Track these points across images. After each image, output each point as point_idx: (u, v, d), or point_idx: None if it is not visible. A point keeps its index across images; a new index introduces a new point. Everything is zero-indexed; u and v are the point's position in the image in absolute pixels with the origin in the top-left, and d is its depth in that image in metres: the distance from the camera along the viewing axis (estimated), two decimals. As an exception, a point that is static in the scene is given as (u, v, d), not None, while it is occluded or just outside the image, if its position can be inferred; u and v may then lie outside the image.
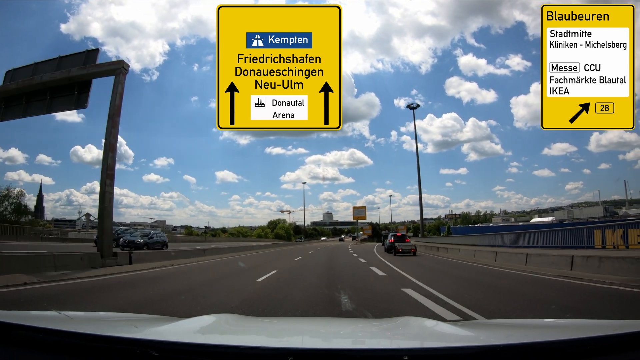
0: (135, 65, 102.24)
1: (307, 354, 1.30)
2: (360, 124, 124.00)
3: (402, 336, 1.86)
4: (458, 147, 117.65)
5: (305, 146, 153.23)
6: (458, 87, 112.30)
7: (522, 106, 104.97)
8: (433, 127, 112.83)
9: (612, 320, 2.66)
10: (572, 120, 8.00)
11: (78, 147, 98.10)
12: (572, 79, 8.17)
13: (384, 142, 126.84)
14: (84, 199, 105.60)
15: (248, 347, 1.43)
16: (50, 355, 1.37)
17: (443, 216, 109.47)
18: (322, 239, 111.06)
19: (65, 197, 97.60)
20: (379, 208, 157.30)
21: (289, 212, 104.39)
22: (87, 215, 66.88)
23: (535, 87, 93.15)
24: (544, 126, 8.35)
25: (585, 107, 8.02)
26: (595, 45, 7.98)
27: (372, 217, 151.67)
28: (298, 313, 5.27)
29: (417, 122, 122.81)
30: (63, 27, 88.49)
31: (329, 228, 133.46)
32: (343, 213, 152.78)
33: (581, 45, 7.97)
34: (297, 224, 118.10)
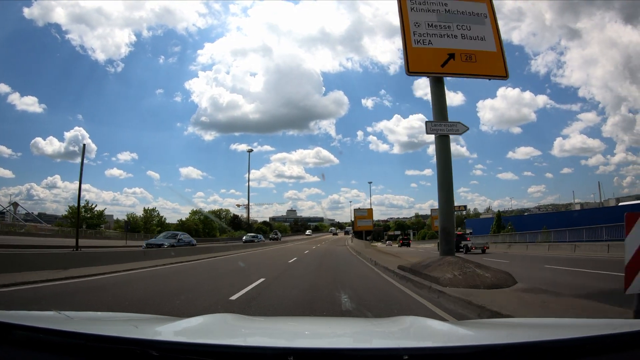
0: (99, 56, 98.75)
1: (307, 354, 1.30)
2: (327, 123, 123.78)
3: (403, 336, 1.86)
4: (424, 149, 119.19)
5: (272, 143, 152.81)
6: (426, 89, 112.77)
7: (489, 110, 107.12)
8: (400, 127, 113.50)
9: (611, 320, 2.66)
10: (443, 65, 8.41)
11: (39, 139, 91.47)
12: (434, 34, 8.62)
13: (350, 141, 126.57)
14: (45, 193, 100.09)
15: (248, 347, 1.43)
16: (50, 355, 1.37)
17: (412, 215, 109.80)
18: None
19: (25, 192, 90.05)
20: (343, 207, 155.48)
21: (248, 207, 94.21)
22: (15, 204, 57.98)
23: (502, 91, 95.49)
24: (410, 70, 8.70)
25: (451, 55, 8.52)
26: (455, 12, 8.72)
27: (337, 217, 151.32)
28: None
29: (383, 122, 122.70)
30: (26, 12, 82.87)
31: (288, 224, 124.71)
32: (308, 212, 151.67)
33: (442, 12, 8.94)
34: (266, 220, 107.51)
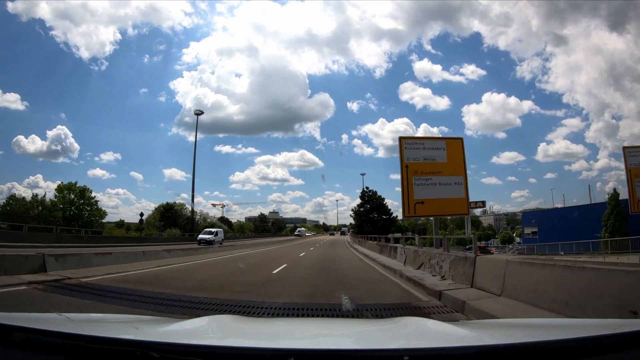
0: (84, 53, 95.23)
1: (307, 355, 1.30)
2: (312, 125, 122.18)
3: (403, 336, 1.85)
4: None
5: (256, 145, 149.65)
6: (412, 93, 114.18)
7: (474, 114, 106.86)
8: (385, 131, 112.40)
9: (612, 320, 2.65)
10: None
11: (21, 137, 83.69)
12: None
13: (334, 145, 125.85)
14: (27, 193, 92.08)
15: (248, 348, 1.43)
16: (50, 356, 1.37)
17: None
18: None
19: (6, 191, 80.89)
20: (327, 211, 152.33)
21: (223, 206, 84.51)
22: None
23: (487, 97, 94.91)
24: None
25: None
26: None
27: (321, 219, 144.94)
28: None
29: (368, 126, 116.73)
30: (10, 6, 77.18)
31: (252, 223, 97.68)
32: (292, 215, 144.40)
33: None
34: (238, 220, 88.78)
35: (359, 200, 57.30)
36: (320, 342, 1.78)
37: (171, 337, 1.65)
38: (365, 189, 57.21)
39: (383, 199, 55.99)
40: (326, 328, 2.24)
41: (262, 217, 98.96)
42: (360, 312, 5.22)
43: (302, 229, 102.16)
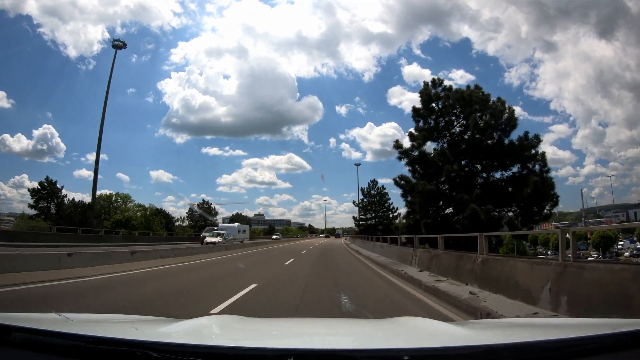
0: (71, 52, 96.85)
1: (307, 355, 1.30)
2: (300, 128, 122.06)
3: (403, 336, 1.86)
4: (397, 157, 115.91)
5: (243, 148, 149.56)
6: (400, 97, 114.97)
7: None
8: (373, 135, 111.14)
9: (611, 319, 2.66)
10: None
11: (6, 136, 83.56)
12: None
13: (322, 148, 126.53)
14: (12, 193, 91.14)
15: (248, 348, 1.43)
16: (49, 356, 1.36)
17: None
18: None
19: None
20: (314, 215, 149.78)
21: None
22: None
23: None
24: None
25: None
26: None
27: (308, 222, 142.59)
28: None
29: (356, 129, 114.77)
30: None
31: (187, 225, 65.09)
32: (279, 218, 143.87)
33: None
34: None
35: (345, 205, 40.63)
36: (320, 342, 1.78)
37: (171, 337, 1.65)
38: (428, 84, 21.45)
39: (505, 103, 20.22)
40: (326, 328, 2.24)
41: (206, 208, 66.53)
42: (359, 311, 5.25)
43: (235, 224, 54.13)
